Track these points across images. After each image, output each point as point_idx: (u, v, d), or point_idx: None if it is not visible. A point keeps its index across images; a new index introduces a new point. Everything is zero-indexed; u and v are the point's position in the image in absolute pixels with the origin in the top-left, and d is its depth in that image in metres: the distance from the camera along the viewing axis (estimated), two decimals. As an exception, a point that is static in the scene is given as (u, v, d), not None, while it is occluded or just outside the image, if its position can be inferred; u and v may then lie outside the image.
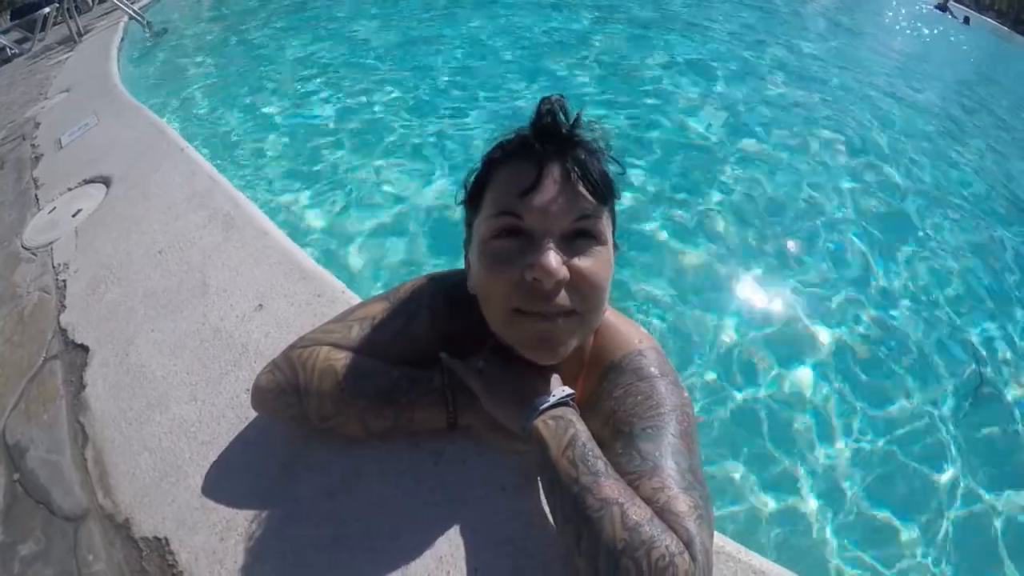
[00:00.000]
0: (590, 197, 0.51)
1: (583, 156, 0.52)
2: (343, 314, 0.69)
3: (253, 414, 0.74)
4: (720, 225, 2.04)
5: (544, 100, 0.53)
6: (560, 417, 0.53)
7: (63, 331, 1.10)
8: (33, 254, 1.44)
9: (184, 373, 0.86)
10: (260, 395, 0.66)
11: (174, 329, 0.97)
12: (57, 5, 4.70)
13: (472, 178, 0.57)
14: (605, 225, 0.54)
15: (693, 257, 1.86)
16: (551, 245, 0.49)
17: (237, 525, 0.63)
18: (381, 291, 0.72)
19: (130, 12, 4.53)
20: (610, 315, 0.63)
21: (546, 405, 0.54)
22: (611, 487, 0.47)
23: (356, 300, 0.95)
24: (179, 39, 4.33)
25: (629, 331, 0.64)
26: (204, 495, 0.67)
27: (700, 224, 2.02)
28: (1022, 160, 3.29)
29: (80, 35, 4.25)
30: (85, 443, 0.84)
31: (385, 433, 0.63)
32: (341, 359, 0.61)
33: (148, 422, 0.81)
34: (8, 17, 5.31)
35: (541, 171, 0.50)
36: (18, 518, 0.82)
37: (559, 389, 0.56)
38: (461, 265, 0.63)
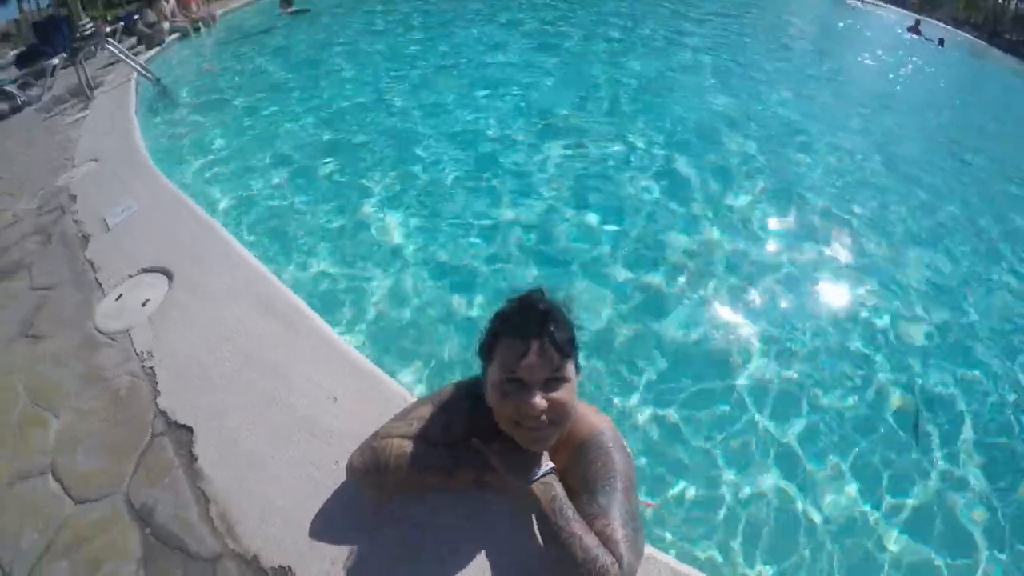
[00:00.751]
0: (559, 357, 1.01)
1: (553, 330, 1.01)
2: (403, 412, 1.18)
3: (343, 479, 1.21)
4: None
5: (530, 291, 1.05)
6: (546, 483, 1.02)
7: (163, 413, 1.54)
8: (111, 339, 1.88)
9: (283, 449, 1.33)
10: (353, 471, 1.13)
11: (265, 415, 1.44)
12: (65, 55, 5.23)
13: (485, 339, 1.06)
14: (570, 369, 1.03)
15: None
16: (537, 391, 0.99)
17: (341, 556, 1.09)
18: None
19: (138, 69, 5.08)
20: (580, 405, 1.11)
21: (537, 475, 1.03)
22: (576, 526, 0.96)
23: (407, 393, 1.45)
24: (189, 99, 4.88)
25: (593, 417, 1.13)
26: (312, 537, 1.14)
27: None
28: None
29: (91, 87, 4.75)
30: (208, 503, 1.29)
31: (434, 488, 1.12)
32: (408, 447, 1.10)
33: (259, 487, 1.27)
34: (11, 54, 5.76)
35: (528, 346, 0.99)
36: (156, 562, 1.24)
37: (546, 464, 1.05)
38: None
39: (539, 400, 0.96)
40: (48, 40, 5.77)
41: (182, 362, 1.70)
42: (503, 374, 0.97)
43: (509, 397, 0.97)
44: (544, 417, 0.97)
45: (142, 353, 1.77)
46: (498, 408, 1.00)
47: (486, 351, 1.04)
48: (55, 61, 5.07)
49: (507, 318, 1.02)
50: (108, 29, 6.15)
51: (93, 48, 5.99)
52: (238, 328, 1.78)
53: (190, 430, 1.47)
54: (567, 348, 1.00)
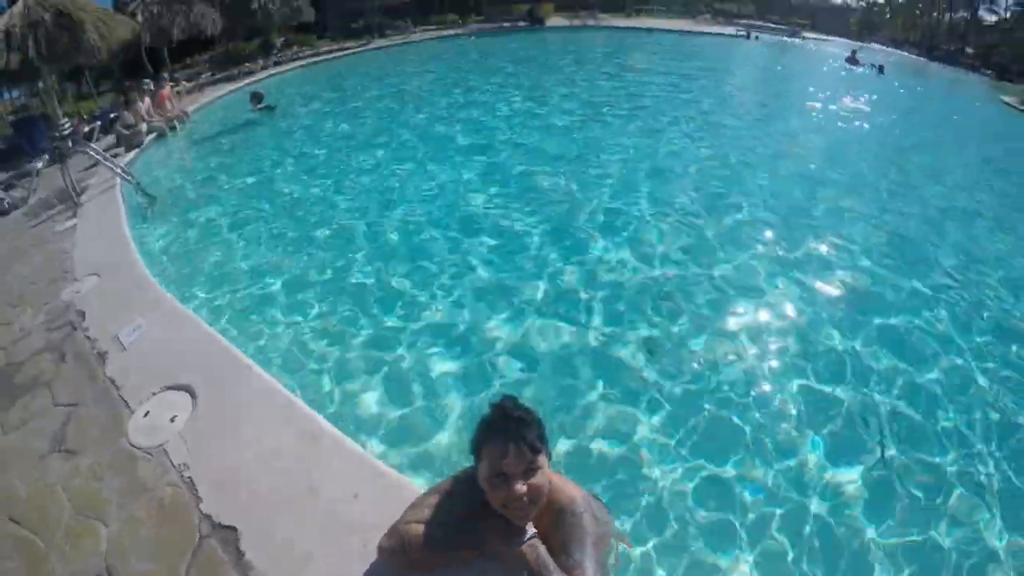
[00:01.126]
0: (531, 453, 1.52)
1: (525, 432, 1.51)
2: (417, 502, 1.68)
3: (374, 557, 1.69)
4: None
5: (504, 399, 1.64)
6: (532, 545, 1.50)
7: (207, 517, 1.98)
8: (148, 454, 2.29)
9: (315, 539, 1.81)
10: (383, 553, 1.64)
11: (299, 512, 1.91)
12: (48, 157, 5.64)
13: (475, 441, 1.56)
14: (542, 459, 1.53)
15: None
16: (518, 481, 1.51)
17: (373, 623, 1.58)
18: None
19: (119, 174, 5.56)
20: (554, 478, 1.62)
21: (524, 540, 1.52)
22: None
23: (416, 487, 1.97)
24: (174, 203, 5.38)
25: (567, 488, 1.64)
26: (349, 611, 1.62)
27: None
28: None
29: (77, 192, 5.16)
30: (259, 589, 1.73)
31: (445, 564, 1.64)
32: (423, 531, 1.62)
33: (303, 570, 1.74)
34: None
35: (507, 448, 1.51)
36: (218, 639, 1.66)
37: (531, 531, 1.53)
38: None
39: (520, 487, 1.35)
40: (27, 136, 6.17)
41: (217, 471, 2.15)
42: (491, 471, 1.40)
43: (498, 489, 1.44)
44: (525, 499, 1.45)
45: (179, 465, 2.20)
46: (489, 495, 1.47)
47: (476, 450, 1.53)
48: (38, 164, 5.46)
49: (489, 426, 1.50)
50: (86, 129, 6.63)
51: (73, 149, 6.45)
52: (263, 438, 2.26)
53: (234, 530, 1.91)
54: (538, 445, 1.38)
